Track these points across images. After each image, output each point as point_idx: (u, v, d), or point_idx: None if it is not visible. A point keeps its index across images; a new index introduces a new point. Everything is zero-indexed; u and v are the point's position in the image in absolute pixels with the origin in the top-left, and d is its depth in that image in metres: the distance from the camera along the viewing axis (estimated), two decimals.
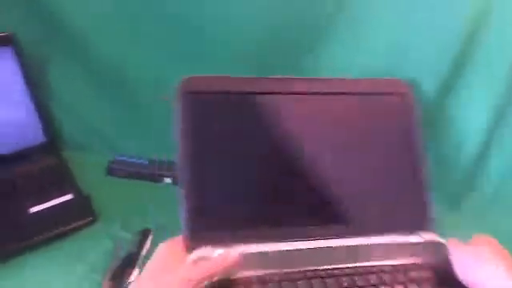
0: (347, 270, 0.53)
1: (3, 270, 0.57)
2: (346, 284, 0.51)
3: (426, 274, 0.53)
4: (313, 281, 0.51)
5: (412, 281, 0.52)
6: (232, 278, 0.50)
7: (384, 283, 0.52)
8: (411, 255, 0.55)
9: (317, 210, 0.57)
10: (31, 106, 0.70)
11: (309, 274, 0.52)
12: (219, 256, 0.49)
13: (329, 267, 0.53)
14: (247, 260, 0.52)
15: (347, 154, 0.58)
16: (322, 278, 0.52)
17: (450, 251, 0.52)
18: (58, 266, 0.58)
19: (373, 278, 0.52)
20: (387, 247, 0.55)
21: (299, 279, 0.51)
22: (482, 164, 0.68)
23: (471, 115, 0.65)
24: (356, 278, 0.52)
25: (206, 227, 0.53)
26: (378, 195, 0.58)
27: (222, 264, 0.48)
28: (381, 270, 0.53)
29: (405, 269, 0.53)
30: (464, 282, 0.49)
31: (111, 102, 0.73)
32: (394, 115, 0.60)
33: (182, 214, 0.52)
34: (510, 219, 0.67)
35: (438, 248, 0.55)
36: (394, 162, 0.59)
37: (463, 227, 0.58)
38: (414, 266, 0.54)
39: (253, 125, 0.57)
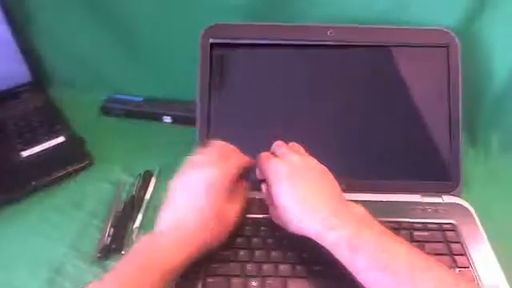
0: None
1: None
2: None
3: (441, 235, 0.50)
4: None
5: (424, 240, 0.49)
6: None
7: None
8: (436, 216, 0.53)
9: (343, 162, 0.54)
10: (14, 43, 0.65)
11: None
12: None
13: None
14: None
15: (379, 106, 0.57)
16: None
17: None
18: (56, 213, 0.55)
19: None
20: (406, 205, 0.54)
21: None
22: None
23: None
24: None
25: None
26: (408, 151, 0.57)
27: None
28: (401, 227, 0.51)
29: (423, 228, 0.51)
30: None
31: (105, 36, 0.67)
32: (435, 68, 0.57)
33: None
34: None
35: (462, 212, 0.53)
36: (430, 118, 0.56)
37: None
38: (435, 227, 0.51)
39: (280, 74, 0.57)
